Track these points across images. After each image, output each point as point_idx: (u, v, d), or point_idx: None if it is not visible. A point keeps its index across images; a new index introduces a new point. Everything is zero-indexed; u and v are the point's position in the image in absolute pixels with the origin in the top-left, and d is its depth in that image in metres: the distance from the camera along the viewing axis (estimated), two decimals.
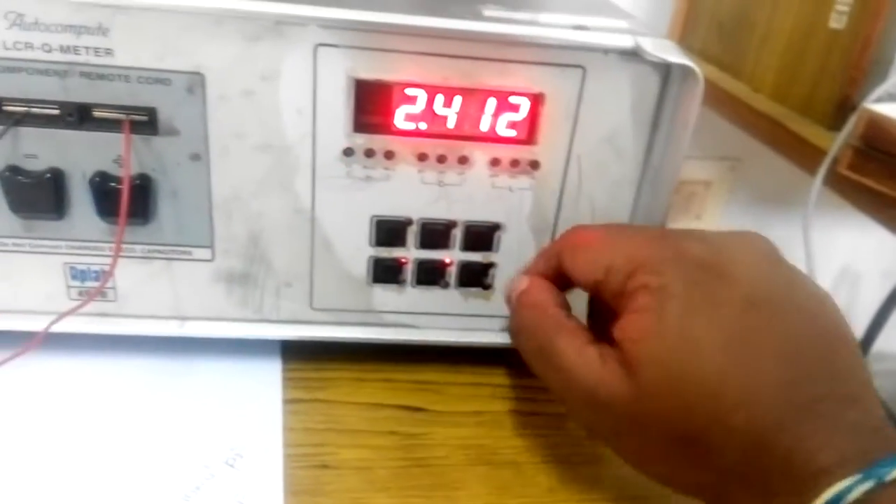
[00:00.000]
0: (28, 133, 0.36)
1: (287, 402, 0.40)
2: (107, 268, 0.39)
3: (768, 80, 0.96)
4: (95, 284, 0.40)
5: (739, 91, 0.98)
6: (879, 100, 0.81)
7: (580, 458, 0.40)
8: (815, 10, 0.88)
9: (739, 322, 0.29)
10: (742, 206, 1.40)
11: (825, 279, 1.49)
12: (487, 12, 0.38)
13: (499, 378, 0.45)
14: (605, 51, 0.37)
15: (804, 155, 0.86)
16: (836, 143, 0.78)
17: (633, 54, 0.37)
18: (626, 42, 0.36)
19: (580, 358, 0.32)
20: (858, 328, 1.14)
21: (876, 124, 0.75)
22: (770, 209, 1.41)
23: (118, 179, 0.37)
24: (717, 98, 1.00)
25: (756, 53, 0.98)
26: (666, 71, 0.37)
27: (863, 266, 1.52)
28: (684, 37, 1.11)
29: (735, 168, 1.36)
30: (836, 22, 0.86)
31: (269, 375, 0.42)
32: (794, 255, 0.85)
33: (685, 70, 0.36)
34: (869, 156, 0.77)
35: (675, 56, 0.36)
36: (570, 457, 0.40)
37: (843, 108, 0.84)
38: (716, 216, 1.41)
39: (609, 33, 0.37)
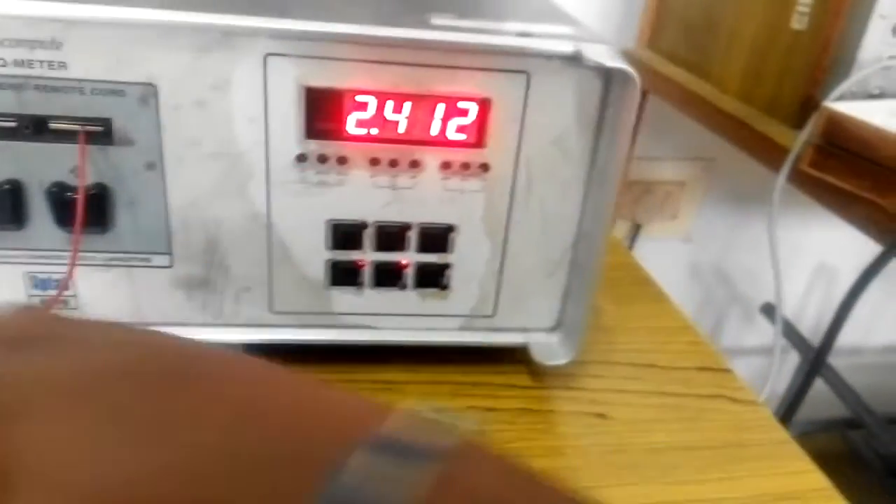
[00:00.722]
0: None
1: None
2: (67, 276, 0.40)
3: (734, 81, 0.98)
4: (57, 293, 0.40)
5: (707, 92, 1.00)
6: (841, 98, 0.83)
7: (536, 451, 0.41)
8: (777, 12, 0.90)
9: None
10: (717, 204, 1.42)
11: (802, 275, 1.52)
12: (435, 20, 0.39)
13: (459, 376, 0.46)
14: (548, 56, 0.38)
15: (770, 154, 0.87)
16: (798, 141, 0.80)
17: (575, 59, 0.38)
18: (567, 48, 0.38)
19: None
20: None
21: (836, 122, 0.77)
22: (744, 207, 1.43)
23: (75, 189, 0.37)
24: (686, 99, 1.02)
25: (722, 55, 1.00)
26: (607, 75, 0.39)
27: (838, 260, 1.55)
28: (653, 40, 1.13)
29: (709, 168, 1.38)
30: (798, 23, 0.88)
31: None
32: (765, 252, 0.87)
33: (623, 74, 0.37)
34: (830, 153, 0.79)
35: (614, 61, 0.37)
36: (525, 450, 0.41)
37: (806, 106, 0.85)
38: (691, 216, 1.43)
39: (552, 39, 0.38)
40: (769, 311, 1.39)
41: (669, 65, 1.08)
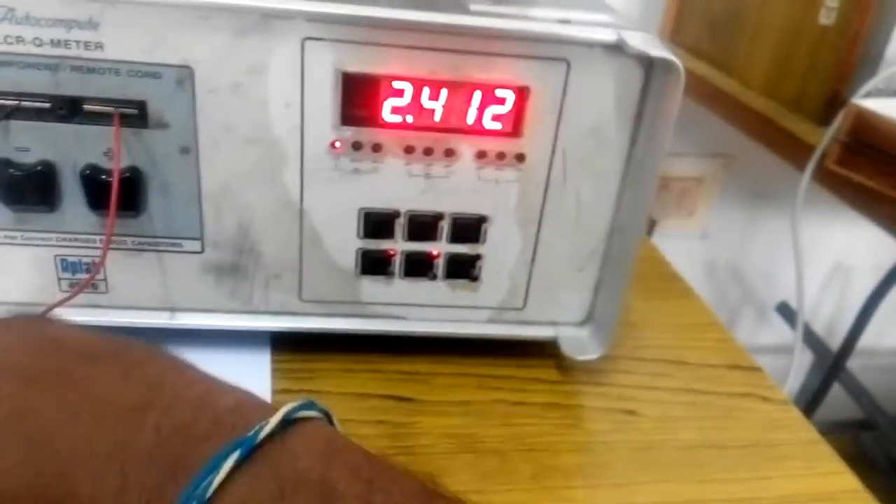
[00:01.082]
0: (19, 126, 0.36)
1: (276, 392, 0.41)
2: (98, 260, 0.40)
3: (759, 76, 0.97)
4: (86, 276, 0.40)
5: (731, 87, 0.99)
6: (868, 95, 0.81)
7: (563, 446, 0.41)
8: (804, 7, 0.89)
9: None
10: (734, 202, 1.41)
11: (818, 274, 1.51)
12: (473, 6, 0.39)
13: (485, 368, 0.45)
14: (589, 45, 0.37)
15: (794, 151, 0.86)
16: (825, 138, 0.79)
17: (616, 48, 0.37)
18: (609, 36, 0.37)
19: None
20: (850, 322, 1.14)
21: (863, 119, 0.76)
22: (762, 205, 1.42)
23: (108, 172, 0.37)
24: (709, 95, 1.01)
25: (747, 50, 0.99)
26: (648, 65, 0.38)
27: (855, 260, 1.53)
28: (676, 33, 1.12)
29: (727, 165, 1.37)
30: (826, 18, 0.87)
31: (258, 367, 0.43)
32: (785, 251, 0.86)
33: (667, 64, 0.36)
34: (857, 151, 0.78)
35: (657, 50, 0.36)
36: (553, 445, 0.41)
37: (832, 103, 0.84)
38: (708, 213, 1.42)
39: (592, 27, 0.37)
40: (785, 310, 1.38)
41: (692, 59, 1.06)
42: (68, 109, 0.36)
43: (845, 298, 1.59)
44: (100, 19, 0.34)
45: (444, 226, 0.42)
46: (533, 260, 0.43)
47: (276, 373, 0.42)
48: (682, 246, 1.43)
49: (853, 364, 1.17)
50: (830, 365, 1.06)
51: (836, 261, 1.54)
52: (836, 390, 1.18)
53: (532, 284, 0.44)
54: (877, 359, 1.68)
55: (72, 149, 0.37)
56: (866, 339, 1.62)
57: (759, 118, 0.92)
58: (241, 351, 0.43)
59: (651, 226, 1.39)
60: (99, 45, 0.35)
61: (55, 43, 0.35)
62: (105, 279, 0.41)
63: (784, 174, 0.88)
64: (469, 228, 0.42)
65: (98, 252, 0.39)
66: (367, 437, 0.39)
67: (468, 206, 0.41)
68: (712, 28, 1.05)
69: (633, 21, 0.40)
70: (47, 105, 0.36)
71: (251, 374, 0.42)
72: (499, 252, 0.43)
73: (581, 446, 0.41)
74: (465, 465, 0.38)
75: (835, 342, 1.20)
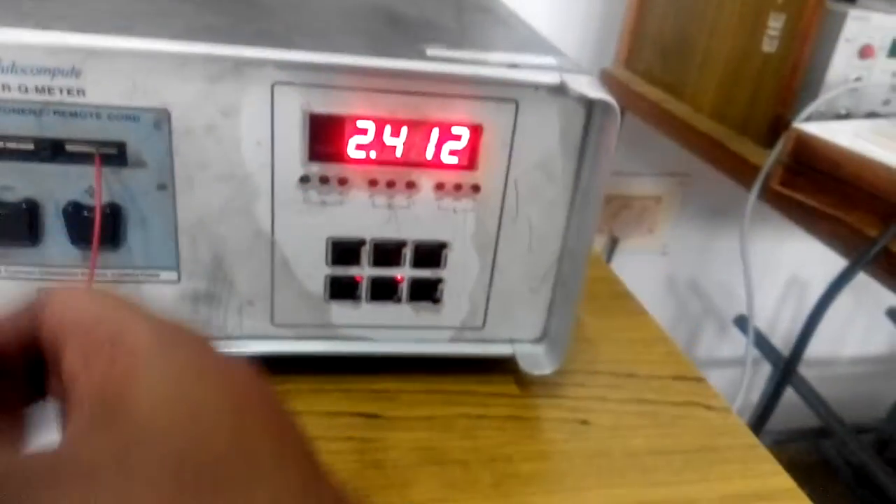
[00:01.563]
0: (4, 167, 0.39)
1: None
2: None
3: (708, 101, 1.02)
4: None
5: (682, 112, 1.03)
6: (810, 118, 0.87)
7: (522, 455, 0.44)
8: (748, 35, 0.94)
9: None
10: (692, 219, 1.46)
11: (774, 287, 1.56)
12: (430, 51, 0.42)
13: (449, 384, 0.48)
14: (535, 87, 0.41)
15: (742, 172, 0.91)
16: (768, 161, 0.84)
17: (560, 90, 0.41)
18: (553, 79, 0.41)
19: None
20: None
21: (804, 142, 0.81)
22: (718, 222, 1.47)
23: (89, 208, 0.39)
24: (661, 118, 1.06)
25: (696, 76, 1.04)
26: (589, 104, 0.42)
27: (810, 273, 1.59)
28: (630, 60, 1.17)
29: (684, 183, 1.42)
30: (768, 46, 0.92)
31: None
32: (739, 266, 0.90)
33: (605, 104, 0.40)
34: (798, 172, 0.83)
35: (596, 92, 0.40)
36: (513, 454, 0.44)
37: (776, 126, 0.89)
38: (667, 230, 1.47)
39: (538, 70, 0.41)
40: (742, 322, 1.43)
41: (645, 84, 1.11)
42: (52, 150, 0.38)
43: (801, 310, 1.65)
44: (82, 67, 0.37)
45: (407, 252, 0.45)
46: (490, 282, 0.47)
47: None
48: (643, 262, 1.48)
49: (810, 373, 1.22)
50: (782, 370, 1.11)
51: (792, 274, 1.60)
52: (795, 399, 1.22)
53: (490, 305, 0.48)
54: (833, 368, 1.74)
55: (55, 187, 0.39)
56: (823, 349, 1.68)
57: (708, 141, 0.96)
58: None
59: (613, 244, 1.43)
60: (81, 91, 0.38)
61: (39, 90, 0.37)
62: None
63: (737, 192, 0.93)
64: (430, 254, 0.45)
65: (80, 284, 0.42)
66: (338, 452, 0.42)
67: (429, 233, 0.45)
68: (664, 55, 1.10)
69: (577, 63, 0.43)
70: (31, 147, 0.38)
71: None
72: (459, 276, 0.46)
73: (539, 455, 0.44)
74: (430, 476, 0.41)
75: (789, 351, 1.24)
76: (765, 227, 1.36)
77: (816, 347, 1.10)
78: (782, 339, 1.64)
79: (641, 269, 1.47)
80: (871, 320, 1.65)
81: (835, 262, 0.83)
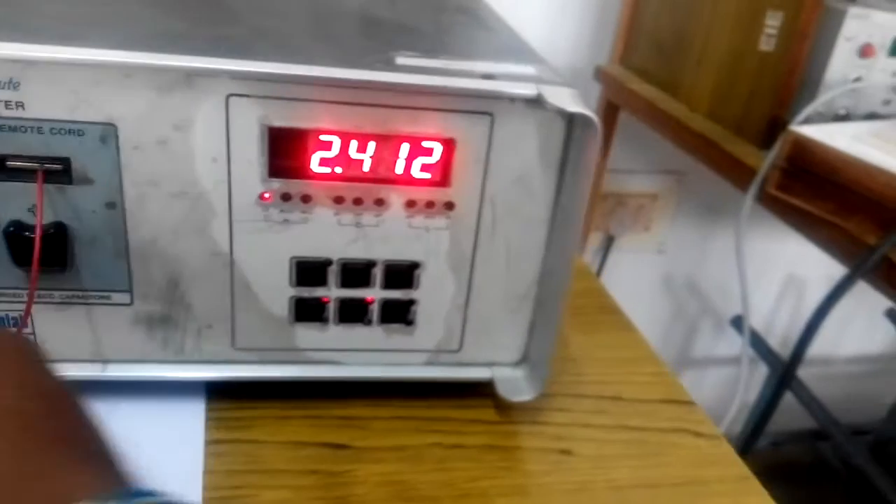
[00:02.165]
0: None
1: (209, 443, 0.41)
2: (25, 314, 0.39)
3: (704, 100, 0.99)
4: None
5: (677, 111, 1.01)
6: (808, 120, 0.84)
7: (498, 490, 0.41)
8: (745, 34, 0.91)
9: None
10: (689, 217, 1.44)
11: (772, 286, 1.54)
12: (400, 60, 0.39)
13: (423, 410, 0.46)
14: (511, 99, 0.38)
15: (738, 173, 0.88)
16: (764, 165, 0.81)
17: (538, 102, 0.38)
18: (530, 91, 0.38)
19: None
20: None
21: (801, 146, 0.78)
22: (715, 220, 1.45)
23: (33, 228, 0.37)
24: (656, 117, 1.03)
25: (692, 75, 1.01)
26: (569, 118, 0.39)
27: (808, 272, 1.57)
28: (626, 56, 1.14)
29: (681, 181, 1.39)
30: (766, 45, 0.89)
31: (192, 417, 0.42)
32: (736, 265, 0.88)
33: (585, 119, 0.37)
34: (795, 176, 0.80)
35: (574, 105, 0.37)
36: (488, 489, 0.41)
37: (773, 127, 0.87)
38: (663, 228, 1.44)
39: (515, 82, 0.38)
40: (738, 323, 1.41)
41: (641, 82, 1.08)
42: None
43: (799, 310, 1.63)
44: (21, 79, 0.34)
45: (377, 272, 0.42)
46: (467, 303, 0.44)
47: (210, 422, 0.42)
48: (639, 261, 1.45)
49: (806, 374, 1.20)
50: (781, 375, 1.08)
51: (789, 273, 1.58)
52: (791, 401, 1.20)
53: (467, 327, 0.45)
54: (830, 367, 1.72)
55: None
56: (820, 350, 1.66)
57: (703, 141, 0.94)
58: (175, 401, 0.43)
59: (609, 242, 1.41)
60: (20, 104, 0.35)
61: None
62: (34, 333, 0.40)
63: (735, 190, 0.90)
64: (402, 274, 0.43)
65: (23, 307, 0.39)
66: (301, 487, 0.39)
67: (400, 253, 0.42)
68: (660, 52, 1.07)
69: (558, 73, 0.41)
70: None
71: (185, 425, 0.42)
72: (433, 296, 0.44)
73: (516, 490, 0.42)
74: None
75: (788, 353, 1.22)
76: (762, 226, 1.33)
77: (814, 347, 1.08)
78: (779, 339, 1.62)
79: (637, 267, 1.45)
80: (870, 320, 1.63)
81: (833, 262, 0.80)
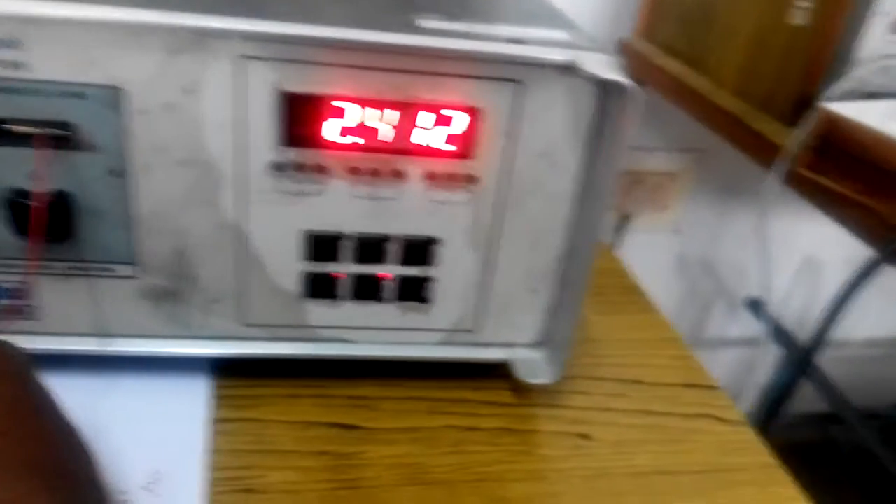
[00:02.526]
0: None
1: (216, 421, 0.40)
2: (25, 285, 0.38)
3: (731, 75, 0.96)
4: (12, 302, 0.38)
5: (702, 86, 0.98)
6: (838, 97, 0.81)
7: (514, 475, 0.40)
8: (775, 7, 0.88)
9: None
10: (707, 196, 1.41)
11: (788, 268, 1.52)
12: (423, 23, 0.37)
13: (437, 392, 0.44)
14: (542, 65, 0.36)
15: (764, 152, 0.86)
16: (793, 142, 0.78)
17: (570, 69, 0.36)
18: (562, 56, 0.36)
19: None
20: (819, 316, 1.15)
21: (832, 123, 0.76)
22: (734, 200, 1.42)
23: (34, 196, 0.35)
24: (681, 93, 1.00)
25: (719, 49, 0.98)
26: (604, 86, 0.37)
27: (826, 255, 1.54)
28: (650, 31, 1.11)
29: (700, 159, 1.36)
30: (798, 18, 0.86)
31: (195, 395, 0.41)
32: (753, 246, 0.86)
33: (621, 87, 0.35)
34: (825, 155, 0.77)
35: (612, 72, 0.35)
36: (504, 474, 0.40)
37: (801, 104, 0.84)
38: (681, 207, 1.42)
39: (546, 47, 0.36)
40: (754, 305, 1.39)
41: (665, 57, 1.05)
42: None
43: (816, 293, 1.60)
44: (23, 38, 0.32)
45: (394, 248, 0.40)
46: (486, 282, 0.42)
47: (219, 400, 0.41)
48: (655, 240, 1.43)
49: (821, 356, 1.18)
50: (800, 360, 1.07)
51: (807, 255, 1.55)
52: (804, 383, 1.19)
53: (485, 306, 0.43)
54: (844, 350, 1.70)
55: None
56: (835, 332, 1.64)
57: (729, 118, 0.91)
58: (180, 378, 0.42)
59: (625, 220, 1.38)
60: (21, 65, 0.33)
61: None
62: (36, 305, 0.39)
63: (754, 169, 0.88)
64: (419, 250, 0.41)
65: (24, 277, 0.38)
66: (309, 469, 0.38)
67: (418, 228, 0.40)
68: (686, 26, 1.04)
69: (592, 38, 0.38)
70: None
71: (187, 402, 0.40)
72: (451, 274, 0.42)
73: (533, 475, 0.40)
74: (410, 498, 0.37)
75: (804, 336, 1.20)
76: (781, 207, 1.31)
77: (829, 330, 1.06)
78: (794, 322, 1.60)
79: (653, 246, 1.43)
80: (886, 302, 1.60)
81: (851, 245, 0.78)
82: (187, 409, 0.40)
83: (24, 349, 0.31)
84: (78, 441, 0.29)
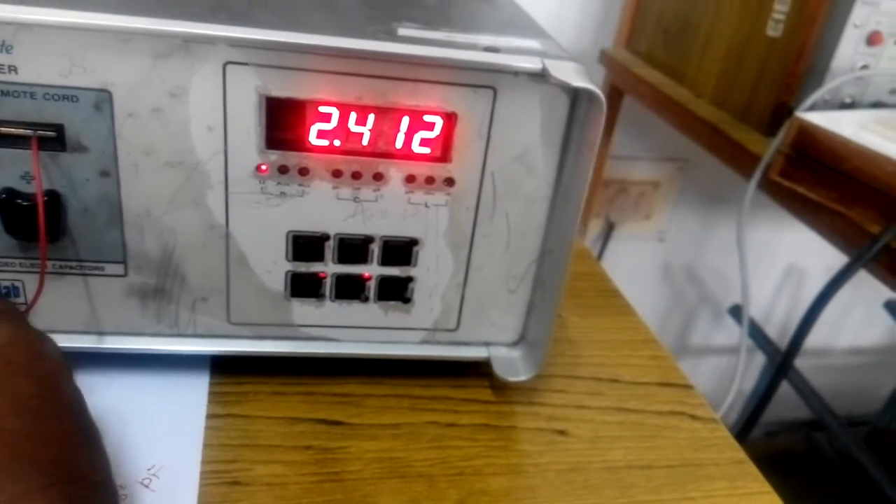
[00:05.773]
0: None
1: (206, 417, 0.41)
2: (17, 283, 0.39)
3: (709, 85, 0.98)
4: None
5: (682, 96, 1.00)
6: (814, 107, 0.83)
7: (492, 469, 0.41)
8: (753, 18, 0.90)
9: None
10: (691, 205, 1.43)
11: (771, 276, 1.54)
12: (402, 31, 0.38)
13: (419, 389, 0.45)
14: (515, 73, 0.37)
15: (742, 160, 0.88)
16: (769, 150, 0.80)
17: (542, 77, 0.37)
18: (534, 64, 0.37)
19: None
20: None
21: (806, 133, 0.77)
22: (717, 208, 1.44)
23: (25, 196, 0.36)
24: (661, 102, 1.02)
25: (698, 59, 1.00)
26: (574, 93, 0.38)
27: (807, 262, 1.56)
28: (631, 40, 1.13)
29: (683, 168, 1.38)
30: (773, 30, 0.88)
31: (195, 391, 0.42)
32: (736, 254, 0.88)
33: (590, 94, 0.37)
34: (799, 163, 0.79)
35: (580, 80, 0.36)
36: (482, 468, 0.41)
37: (779, 114, 0.86)
38: (665, 216, 1.44)
39: (518, 55, 0.37)
40: (737, 312, 1.40)
41: (646, 66, 1.07)
42: None
43: (798, 300, 1.62)
44: (13, 42, 0.34)
45: (375, 248, 0.42)
46: (465, 282, 0.44)
47: (208, 396, 0.42)
48: (639, 248, 1.45)
49: (803, 364, 1.20)
50: (778, 364, 1.08)
51: (789, 263, 1.57)
52: (787, 391, 1.20)
53: (465, 306, 0.44)
54: (827, 358, 1.72)
55: None
56: (817, 340, 1.66)
57: (708, 127, 0.93)
58: (179, 375, 0.43)
59: (609, 229, 1.40)
60: (13, 69, 0.34)
61: None
62: (26, 302, 0.40)
63: (737, 178, 0.90)
64: (400, 251, 0.42)
65: (17, 276, 0.39)
66: (295, 462, 0.39)
67: (398, 229, 0.41)
68: (666, 36, 1.06)
69: (562, 49, 0.40)
70: None
71: (186, 399, 0.41)
72: (431, 274, 0.43)
73: (510, 469, 0.41)
74: (391, 491, 0.38)
75: (786, 343, 1.22)
76: (763, 215, 1.33)
77: (811, 338, 1.07)
78: (778, 329, 1.62)
79: (637, 254, 1.45)
80: (868, 311, 1.63)
81: (833, 252, 0.80)
82: (187, 405, 0.41)
83: (62, 349, 0.32)
84: (98, 446, 0.30)
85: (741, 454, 0.45)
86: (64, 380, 0.30)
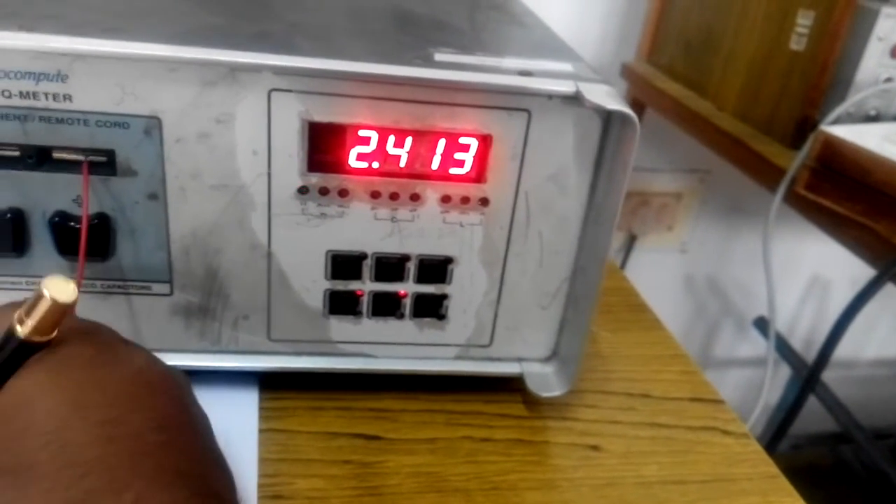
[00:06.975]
0: None
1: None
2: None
3: (732, 99, 0.99)
4: None
5: (704, 109, 1.00)
6: (838, 120, 0.83)
7: (527, 483, 0.42)
8: (776, 32, 0.90)
9: None
10: (712, 216, 1.43)
11: (796, 287, 1.53)
12: (439, 56, 0.39)
13: (453, 404, 0.46)
14: (549, 96, 0.38)
15: (765, 173, 0.88)
16: (794, 164, 0.81)
17: (575, 99, 0.38)
18: (568, 88, 0.38)
19: None
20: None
21: (831, 146, 0.78)
22: (739, 220, 1.44)
23: (77, 218, 0.38)
24: (683, 116, 1.03)
25: (720, 73, 1.01)
26: (606, 115, 0.39)
27: (833, 273, 1.55)
28: (653, 54, 1.14)
29: (705, 180, 1.38)
30: (796, 44, 0.88)
31: (245, 407, 0.43)
32: (759, 265, 0.88)
33: (623, 116, 0.37)
34: (825, 176, 0.79)
35: (613, 103, 0.37)
36: (517, 483, 0.42)
37: (803, 127, 0.86)
38: (687, 227, 1.43)
39: (552, 79, 0.38)
40: (762, 325, 1.40)
41: (668, 80, 1.08)
42: (37, 158, 0.37)
43: (823, 311, 1.61)
44: (69, 72, 0.35)
45: (411, 267, 0.43)
46: (499, 299, 0.44)
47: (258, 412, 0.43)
48: (661, 260, 1.45)
49: (829, 376, 1.19)
50: (806, 378, 1.08)
51: (814, 274, 1.56)
52: (813, 403, 1.19)
53: (498, 322, 0.45)
54: (853, 370, 1.70)
55: (41, 196, 0.38)
56: (843, 352, 1.64)
57: (731, 140, 0.93)
58: (228, 390, 0.44)
59: (631, 241, 1.40)
60: (67, 97, 0.36)
61: (24, 95, 0.35)
62: None
63: (759, 189, 0.90)
64: (435, 269, 0.43)
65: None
66: (335, 476, 0.40)
67: (434, 247, 0.42)
68: (688, 50, 1.07)
69: (595, 70, 0.41)
70: (17, 153, 0.36)
71: (237, 413, 0.43)
72: (465, 291, 0.44)
73: (545, 484, 0.42)
74: None
75: (812, 355, 1.21)
76: (786, 226, 1.32)
77: (838, 350, 1.07)
78: (802, 340, 1.61)
79: (659, 266, 1.45)
80: (894, 323, 1.61)
81: (858, 264, 0.80)
82: (239, 419, 0.42)
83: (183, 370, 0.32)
84: (226, 465, 0.30)
85: (773, 468, 0.45)
86: (192, 400, 0.30)
